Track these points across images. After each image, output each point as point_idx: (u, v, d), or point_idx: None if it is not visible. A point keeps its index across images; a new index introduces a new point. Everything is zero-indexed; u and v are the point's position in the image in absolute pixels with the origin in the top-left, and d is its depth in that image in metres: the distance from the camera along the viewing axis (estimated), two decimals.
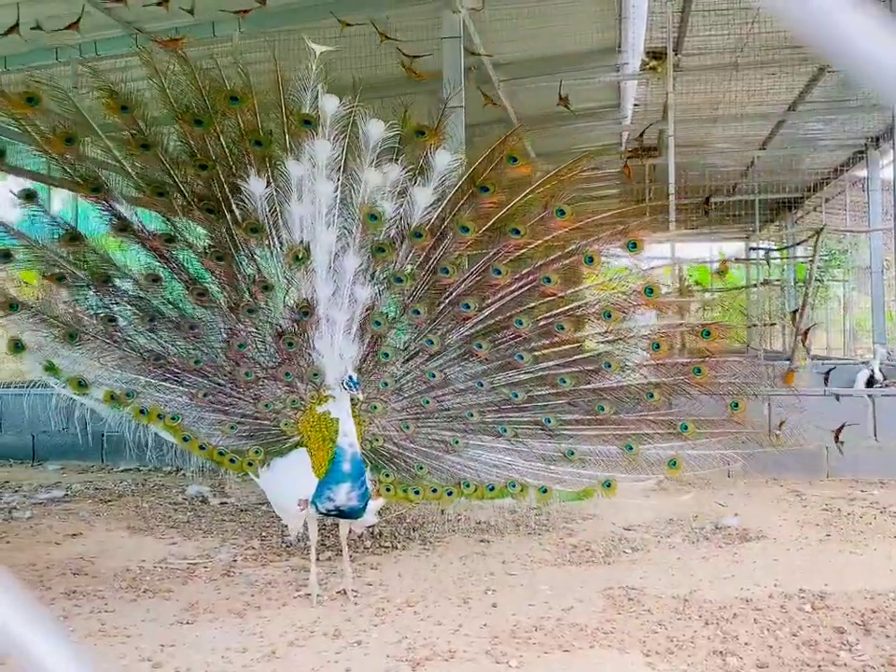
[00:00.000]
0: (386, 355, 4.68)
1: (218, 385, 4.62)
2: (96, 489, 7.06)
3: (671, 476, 4.77)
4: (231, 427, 4.56)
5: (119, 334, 4.76)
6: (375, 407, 4.57)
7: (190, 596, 4.26)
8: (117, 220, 4.74)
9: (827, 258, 16.60)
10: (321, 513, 4.23)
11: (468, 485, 4.51)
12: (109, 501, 6.62)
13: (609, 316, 4.74)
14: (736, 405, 4.78)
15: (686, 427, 4.67)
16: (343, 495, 4.12)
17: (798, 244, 16.92)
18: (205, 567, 4.79)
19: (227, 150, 4.64)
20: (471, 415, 4.68)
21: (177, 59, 4.68)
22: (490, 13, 8.15)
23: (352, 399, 4.18)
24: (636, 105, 11.66)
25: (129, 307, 4.82)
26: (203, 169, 4.67)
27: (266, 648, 3.54)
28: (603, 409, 4.72)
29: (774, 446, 4.87)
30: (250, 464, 4.42)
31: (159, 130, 4.71)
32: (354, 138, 4.54)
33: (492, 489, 4.52)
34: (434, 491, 4.51)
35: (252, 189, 4.51)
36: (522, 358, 4.70)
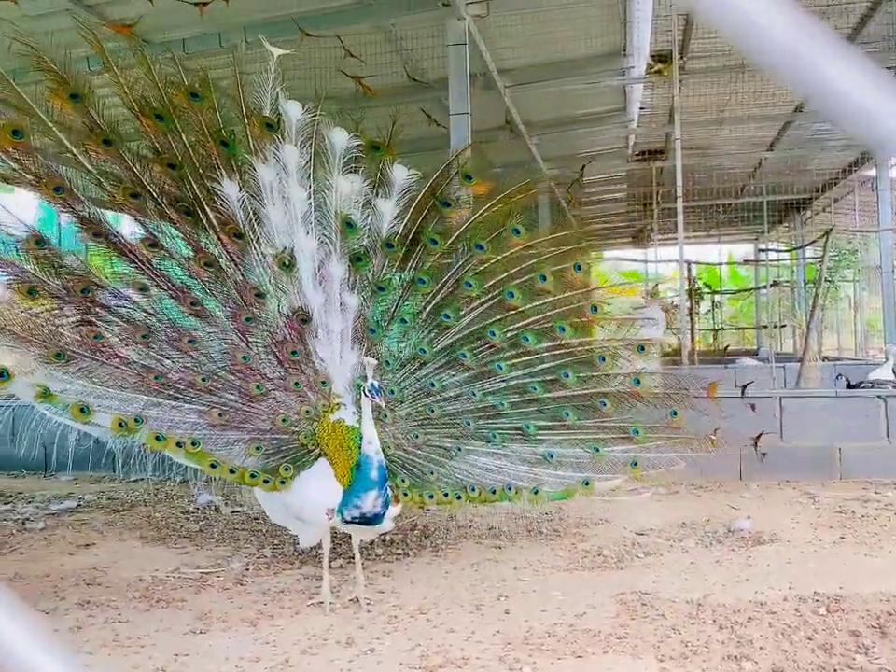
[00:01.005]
0: (388, 363, 4.82)
1: (231, 402, 4.53)
2: (108, 499, 7.09)
3: (634, 476, 5.09)
4: (258, 448, 4.45)
5: (108, 350, 4.49)
6: (385, 416, 4.62)
7: (203, 606, 4.27)
8: (88, 225, 4.50)
9: (837, 258, 16.51)
10: (345, 521, 4.23)
11: (473, 489, 4.71)
12: (122, 511, 6.64)
13: (563, 330, 5.10)
14: (675, 413, 5.19)
15: (637, 432, 5.08)
16: (370, 502, 4.14)
17: (808, 244, 16.87)
18: (218, 577, 4.80)
19: (192, 150, 4.53)
20: (468, 423, 4.91)
21: (131, 47, 4.46)
22: (495, 19, 8.17)
23: (374, 407, 4.18)
24: (642, 108, 11.65)
25: (116, 321, 4.56)
26: (172, 168, 4.54)
27: (279, 656, 3.54)
28: (568, 415, 5.07)
29: (706, 450, 5.22)
30: (283, 482, 4.33)
31: (120, 124, 4.46)
32: (321, 146, 4.65)
33: (493, 492, 4.74)
34: (445, 495, 4.65)
35: (227, 192, 4.50)
36: (501, 368, 5.01)
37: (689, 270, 15.06)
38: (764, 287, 17.16)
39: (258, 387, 4.52)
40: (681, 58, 9.27)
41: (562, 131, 12.10)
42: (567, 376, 5.06)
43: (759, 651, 3.42)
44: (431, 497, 4.62)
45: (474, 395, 4.96)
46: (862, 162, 14.57)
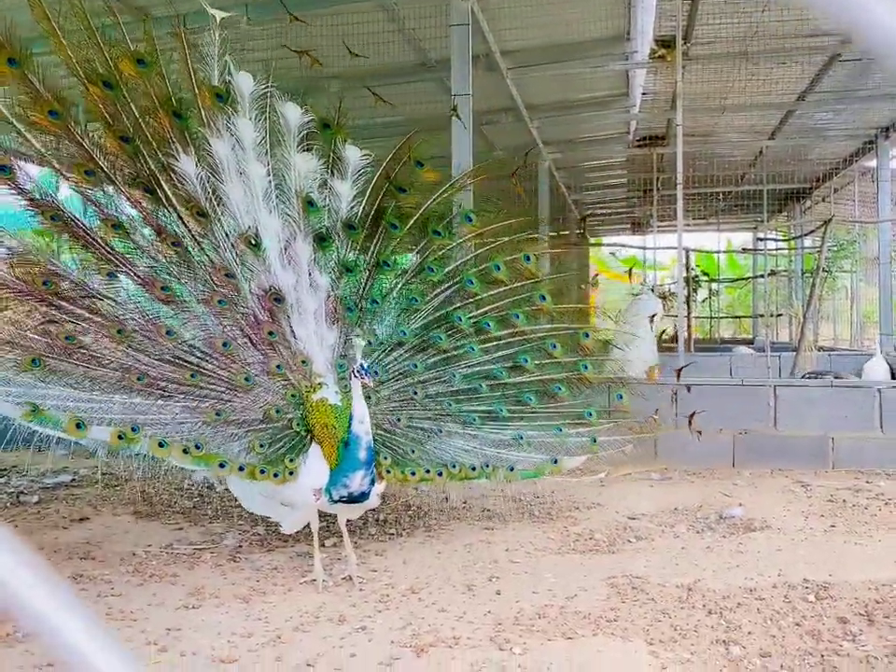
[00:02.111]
0: (369, 343, 4.84)
1: (222, 395, 4.46)
2: (103, 474, 7.09)
3: (593, 451, 5.36)
4: (261, 445, 4.38)
5: (83, 351, 4.33)
6: (369, 396, 4.60)
7: (196, 581, 4.29)
8: (41, 207, 4.24)
9: (835, 248, 16.50)
10: (333, 501, 4.24)
11: (454, 465, 4.85)
12: (116, 486, 6.66)
13: (518, 318, 5.30)
14: (621, 396, 5.74)
15: (591, 414, 5.39)
16: (357, 481, 4.16)
17: (806, 234, 16.85)
18: (211, 553, 4.82)
19: (143, 122, 4.33)
20: (449, 405, 5.06)
21: (73, 8, 4.08)
22: (498, 0, 8.11)
23: (363, 387, 4.19)
24: (644, 93, 11.58)
25: (85, 314, 4.36)
26: (125, 141, 4.33)
27: (271, 632, 3.56)
28: (531, 399, 5.30)
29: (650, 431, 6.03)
30: (291, 473, 4.27)
31: (65, 92, 4.16)
32: (276, 122, 4.58)
33: (473, 469, 4.90)
34: (427, 471, 4.75)
35: (184, 168, 4.38)
36: (473, 350, 5.17)
37: (687, 257, 15.05)
38: (762, 276, 17.16)
39: (245, 378, 4.47)
40: (685, 43, 9.20)
41: (563, 114, 12.04)
42: (526, 361, 5.27)
43: (747, 636, 3.45)
44: (413, 473, 4.70)
45: (454, 377, 5.11)
46: (863, 153, 14.53)
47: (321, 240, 4.72)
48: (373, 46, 8.46)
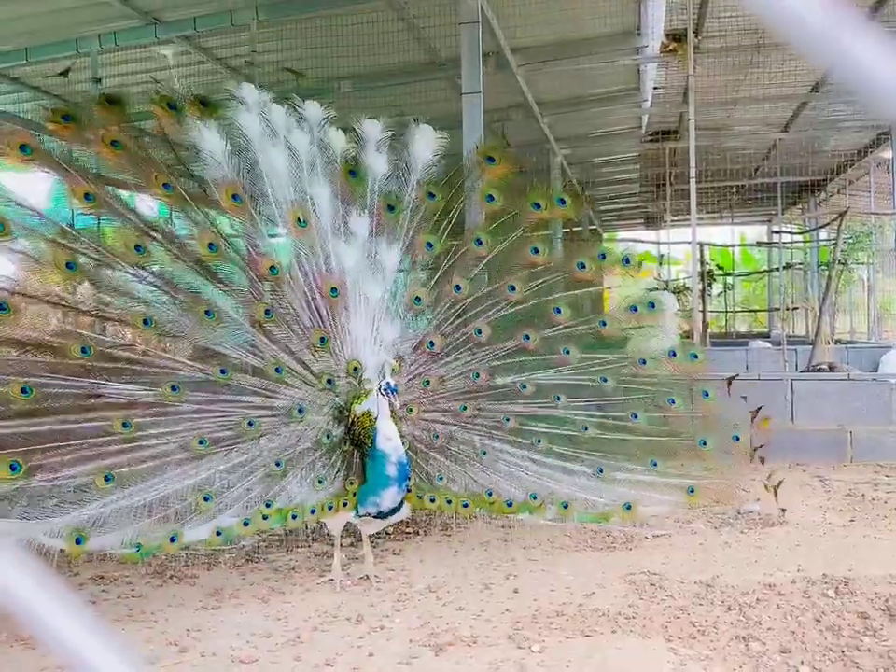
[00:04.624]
0: (432, 343, 4.44)
1: (288, 444, 4.14)
2: None
3: (689, 503, 4.65)
4: (320, 482, 4.11)
5: (144, 439, 3.85)
6: (411, 410, 4.37)
7: (215, 582, 4.31)
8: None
9: (851, 240, 16.38)
10: (358, 516, 4.12)
11: (490, 493, 4.38)
12: None
13: (605, 325, 4.69)
14: (737, 438, 4.74)
15: (704, 443, 4.63)
16: (388, 499, 3.99)
17: (821, 227, 16.73)
18: (230, 553, 4.84)
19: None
20: (507, 420, 4.50)
21: None
22: None
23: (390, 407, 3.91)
24: (656, 88, 11.52)
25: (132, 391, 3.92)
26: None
27: (290, 632, 3.58)
28: (636, 417, 4.60)
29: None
30: (355, 495, 4.10)
31: None
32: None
33: (510, 504, 4.39)
34: (449, 502, 4.38)
35: (209, 146, 4.01)
36: (568, 352, 4.55)
37: (701, 252, 14.97)
38: (777, 269, 17.05)
39: (299, 410, 4.16)
40: (696, 37, 9.15)
41: (575, 110, 12.00)
42: (644, 362, 4.64)
43: (767, 632, 3.43)
44: (433, 500, 4.36)
45: (524, 388, 4.55)
46: (878, 144, 14.40)
47: (390, 208, 4.33)
48: (384, 45, 8.47)
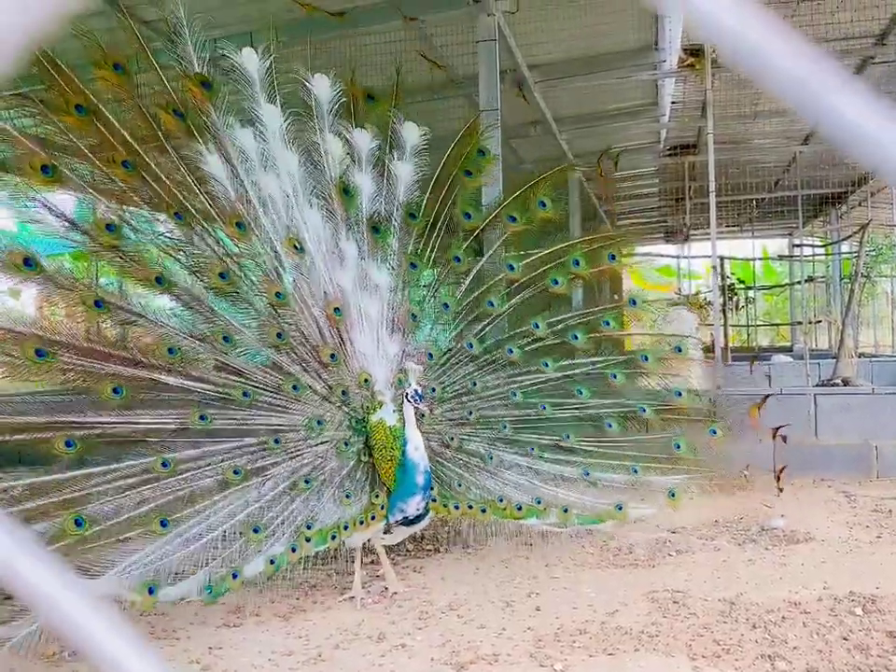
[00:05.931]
0: (431, 355, 4.62)
1: (315, 462, 4.21)
2: None
3: (671, 507, 4.95)
4: (347, 497, 4.19)
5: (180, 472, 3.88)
6: (423, 415, 4.43)
7: (236, 600, 4.31)
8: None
9: (873, 253, 16.24)
10: (388, 524, 4.21)
11: (501, 500, 4.59)
12: None
13: (608, 324, 4.93)
14: (714, 431, 4.99)
15: (679, 446, 4.88)
16: (413, 506, 4.11)
17: (843, 239, 16.59)
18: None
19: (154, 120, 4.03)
20: (504, 426, 4.74)
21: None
22: (525, 15, 8.13)
23: (416, 412, 4.07)
24: (673, 102, 11.54)
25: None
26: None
27: (312, 651, 3.57)
28: (611, 426, 4.87)
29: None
30: (382, 507, 4.19)
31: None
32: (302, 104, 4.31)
33: (520, 508, 4.61)
34: (470, 507, 4.55)
35: (211, 169, 4.03)
36: (547, 365, 4.80)
37: (722, 265, 14.89)
38: (799, 282, 16.93)
39: (319, 422, 4.25)
40: (714, 51, 9.15)
41: (593, 126, 12.03)
42: (615, 377, 4.85)
43: (793, 651, 3.38)
44: (457, 507, 4.54)
45: (514, 395, 4.78)
46: None
47: (375, 230, 4.39)
48: (402, 64, 8.53)
